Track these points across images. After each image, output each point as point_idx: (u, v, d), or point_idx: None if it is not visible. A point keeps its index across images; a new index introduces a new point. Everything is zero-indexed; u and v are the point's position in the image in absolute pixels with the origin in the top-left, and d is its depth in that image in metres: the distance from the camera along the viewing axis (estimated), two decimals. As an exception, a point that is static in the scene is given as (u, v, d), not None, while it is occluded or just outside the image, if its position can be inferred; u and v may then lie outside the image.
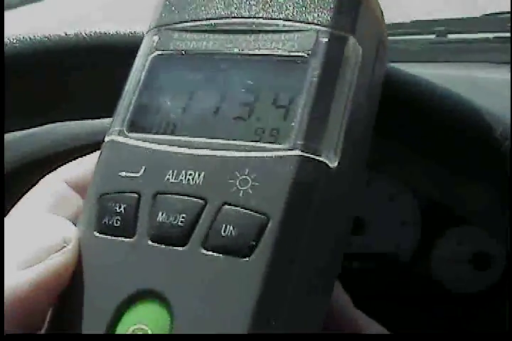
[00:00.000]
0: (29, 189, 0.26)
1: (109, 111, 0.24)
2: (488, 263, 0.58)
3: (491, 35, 0.94)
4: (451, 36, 0.92)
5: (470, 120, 0.27)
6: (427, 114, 0.27)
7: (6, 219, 0.23)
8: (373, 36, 0.23)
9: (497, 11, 1.04)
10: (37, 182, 0.26)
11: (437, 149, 0.28)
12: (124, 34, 0.31)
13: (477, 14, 1.02)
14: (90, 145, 0.50)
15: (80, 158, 0.26)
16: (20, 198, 0.25)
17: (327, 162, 0.20)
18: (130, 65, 0.24)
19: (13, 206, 0.25)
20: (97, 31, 0.31)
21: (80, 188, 0.25)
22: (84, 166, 0.25)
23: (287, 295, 0.19)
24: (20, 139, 0.50)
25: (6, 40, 0.32)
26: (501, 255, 0.58)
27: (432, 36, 0.90)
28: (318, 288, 0.21)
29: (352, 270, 0.58)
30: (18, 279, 0.20)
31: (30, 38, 0.32)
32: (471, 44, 0.90)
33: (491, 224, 0.32)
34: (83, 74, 0.32)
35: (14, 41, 0.32)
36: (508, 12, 1.03)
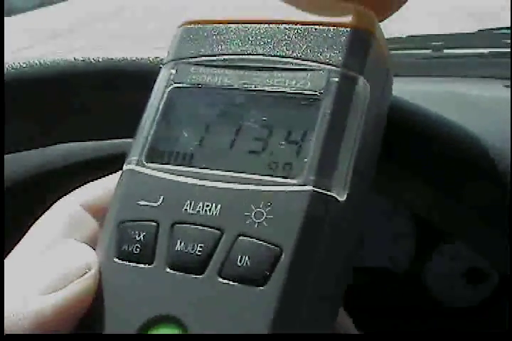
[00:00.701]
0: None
1: (109, 134, 0.24)
2: (481, 278, 0.59)
3: (486, 51, 0.95)
4: (446, 51, 0.93)
5: (469, 151, 0.28)
6: (426, 142, 0.28)
7: (19, 245, 0.24)
8: (380, 73, 0.24)
9: (492, 26, 1.06)
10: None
11: (435, 175, 0.28)
12: (131, 60, 0.32)
13: (473, 29, 1.03)
14: (88, 161, 0.50)
15: (93, 182, 0.26)
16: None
17: (337, 197, 0.21)
18: (134, 89, 0.24)
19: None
20: (104, 57, 0.32)
21: (94, 211, 0.25)
22: (98, 189, 0.26)
23: (298, 320, 0.20)
24: (23, 154, 0.50)
25: (16, 63, 0.33)
26: (494, 270, 0.58)
27: (428, 51, 0.91)
28: (327, 313, 0.22)
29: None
30: (41, 304, 0.21)
31: (40, 63, 0.32)
32: (467, 59, 0.91)
33: (481, 247, 0.33)
34: (85, 98, 0.33)
35: (24, 66, 0.32)
36: (503, 28, 1.04)
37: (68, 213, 0.25)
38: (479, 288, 0.59)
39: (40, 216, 0.25)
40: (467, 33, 1.02)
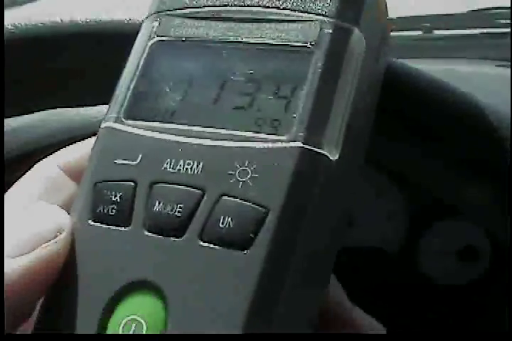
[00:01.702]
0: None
1: (105, 99, 0.24)
2: (475, 256, 0.59)
3: (477, 31, 0.94)
4: (437, 32, 0.92)
5: (471, 115, 0.27)
6: (427, 105, 0.27)
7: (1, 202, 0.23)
8: (377, 28, 0.23)
9: (484, 7, 1.05)
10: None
11: (436, 139, 0.28)
12: (121, 21, 0.30)
13: (463, 10, 1.03)
14: (86, 135, 0.50)
15: (74, 144, 0.25)
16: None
17: (328, 155, 0.20)
18: (127, 52, 0.24)
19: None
20: (93, 19, 0.31)
21: (74, 174, 0.24)
22: (79, 151, 0.25)
23: (285, 288, 0.19)
24: (15, 130, 0.50)
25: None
26: (487, 248, 0.59)
27: (419, 32, 0.91)
28: (315, 280, 0.21)
29: (339, 264, 0.58)
30: (8, 267, 0.20)
31: (26, 24, 0.31)
32: (458, 40, 0.91)
33: (481, 216, 0.33)
34: (78, 61, 0.32)
35: (10, 27, 0.31)
36: (494, 8, 1.04)
37: (46, 175, 0.24)
38: (473, 266, 0.59)
39: None
40: (458, 14, 1.01)
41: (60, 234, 0.21)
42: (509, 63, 0.75)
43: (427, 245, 0.59)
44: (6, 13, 0.34)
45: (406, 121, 0.28)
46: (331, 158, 0.20)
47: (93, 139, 0.24)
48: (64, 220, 0.22)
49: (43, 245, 0.21)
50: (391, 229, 0.59)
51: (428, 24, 0.91)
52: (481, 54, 0.84)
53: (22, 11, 0.34)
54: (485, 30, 0.94)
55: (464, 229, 0.59)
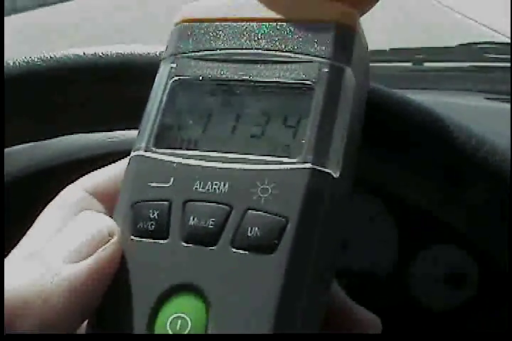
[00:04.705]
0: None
1: (115, 125, 0.26)
2: (463, 281, 0.60)
3: (466, 64, 0.97)
4: (427, 64, 0.95)
5: (446, 134, 0.30)
6: (405, 128, 0.30)
7: (29, 232, 0.24)
8: (362, 64, 0.27)
9: (471, 41, 1.08)
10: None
11: (416, 160, 0.31)
12: (138, 53, 0.33)
13: (453, 44, 1.06)
14: (95, 157, 0.51)
15: (97, 170, 0.27)
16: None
17: (332, 173, 0.23)
18: (137, 82, 0.26)
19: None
20: (111, 50, 0.34)
21: (101, 196, 0.26)
22: (102, 176, 0.27)
23: (305, 284, 0.22)
24: (26, 149, 0.51)
25: (28, 58, 0.34)
26: (475, 273, 0.60)
27: (409, 64, 0.93)
28: (326, 281, 0.24)
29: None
30: (74, 270, 0.21)
31: (51, 57, 0.34)
32: (447, 72, 0.94)
33: (471, 243, 0.34)
34: (92, 90, 0.34)
35: (36, 60, 0.34)
36: (482, 42, 1.07)
37: (75, 199, 0.26)
38: (462, 292, 0.60)
39: (41, 211, 0.26)
40: (448, 47, 1.04)
41: (112, 237, 0.23)
42: (497, 96, 0.78)
43: (417, 269, 0.60)
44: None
45: (392, 141, 0.30)
46: (334, 176, 0.24)
47: (114, 165, 0.27)
48: (112, 224, 0.24)
49: (101, 248, 0.22)
50: (382, 255, 0.60)
51: (419, 56, 0.94)
52: (469, 86, 0.86)
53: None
54: (473, 64, 0.97)
55: (453, 255, 0.60)
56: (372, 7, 0.29)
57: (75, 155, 0.52)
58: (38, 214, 0.26)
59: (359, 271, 0.61)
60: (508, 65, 0.93)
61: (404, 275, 0.61)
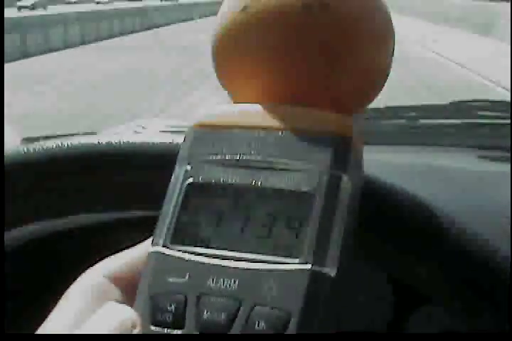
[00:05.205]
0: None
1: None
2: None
3: (459, 121, 0.99)
4: (422, 121, 0.97)
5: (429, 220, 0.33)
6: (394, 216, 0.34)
7: (49, 317, 0.27)
8: (357, 166, 0.30)
9: (463, 99, 1.11)
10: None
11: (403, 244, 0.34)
12: (150, 143, 0.38)
13: (445, 102, 1.08)
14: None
15: (115, 254, 0.30)
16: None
17: (329, 273, 0.27)
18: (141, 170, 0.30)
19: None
20: (127, 140, 0.38)
21: (118, 281, 0.29)
22: (121, 260, 0.29)
23: None
24: None
25: (46, 145, 0.38)
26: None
27: (404, 121, 0.96)
28: None
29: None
30: None
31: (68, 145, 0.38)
32: (441, 129, 0.96)
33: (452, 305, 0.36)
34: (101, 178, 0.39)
35: (53, 147, 0.38)
36: (473, 100, 1.10)
37: (93, 285, 0.28)
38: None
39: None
40: (441, 105, 1.07)
41: (135, 328, 0.26)
42: (488, 152, 0.79)
43: (411, 329, 0.60)
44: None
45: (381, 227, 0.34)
46: (331, 275, 0.27)
47: (131, 250, 0.30)
48: (135, 315, 0.26)
49: None
50: (377, 314, 0.60)
51: (413, 113, 0.96)
52: (461, 142, 0.87)
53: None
54: (465, 121, 0.99)
55: (442, 314, 0.60)
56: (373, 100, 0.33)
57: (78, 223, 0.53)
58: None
59: (354, 330, 0.61)
60: (499, 121, 0.95)
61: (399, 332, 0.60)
